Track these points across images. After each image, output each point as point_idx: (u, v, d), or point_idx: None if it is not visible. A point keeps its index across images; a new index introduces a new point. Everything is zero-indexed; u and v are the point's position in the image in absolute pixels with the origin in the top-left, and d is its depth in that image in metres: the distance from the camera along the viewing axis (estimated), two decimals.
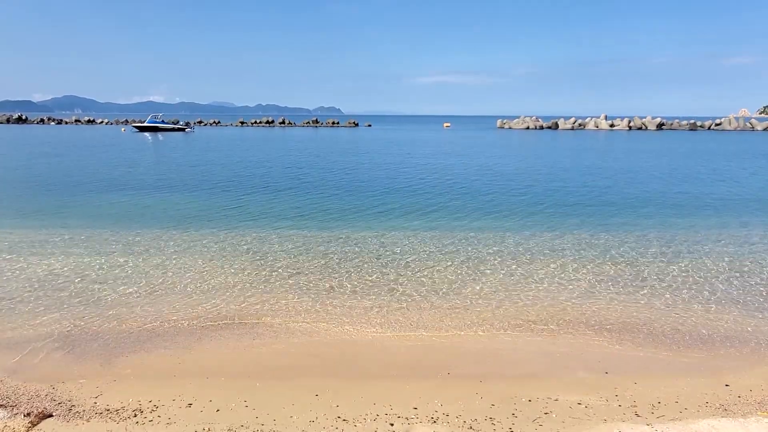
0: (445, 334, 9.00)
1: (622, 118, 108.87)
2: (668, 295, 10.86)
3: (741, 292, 11.09)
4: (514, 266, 12.72)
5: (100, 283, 11.40)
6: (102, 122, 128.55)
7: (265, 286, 11.27)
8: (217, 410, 6.54)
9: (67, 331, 9.02)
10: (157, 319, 9.54)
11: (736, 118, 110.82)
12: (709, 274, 12.19)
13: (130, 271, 12.17)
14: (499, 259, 13.28)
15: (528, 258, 13.43)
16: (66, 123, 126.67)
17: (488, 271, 12.32)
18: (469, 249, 14.26)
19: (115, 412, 6.45)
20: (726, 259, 13.45)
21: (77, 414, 6.41)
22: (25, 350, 8.31)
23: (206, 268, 12.42)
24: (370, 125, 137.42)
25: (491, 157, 45.67)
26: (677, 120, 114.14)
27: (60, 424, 6.17)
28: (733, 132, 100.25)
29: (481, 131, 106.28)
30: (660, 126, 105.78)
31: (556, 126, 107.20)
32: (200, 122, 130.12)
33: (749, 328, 9.30)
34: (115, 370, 7.68)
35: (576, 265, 12.85)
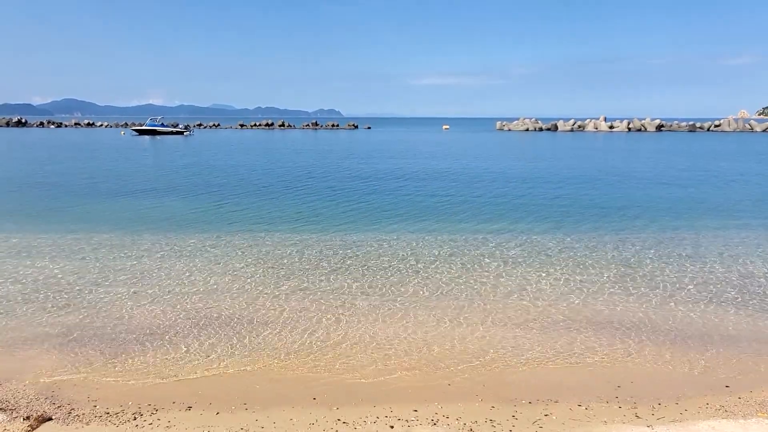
0: (444, 335, 8.99)
1: (621, 120, 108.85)
2: (669, 296, 10.85)
3: (742, 292, 11.08)
4: (514, 267, 12.70)
5: (100, 285, 11.39)
6: (101, 125, 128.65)
7: (265, 288, 11.25)
8: (217, 413, 6.53)
9: (67, 333, 9.01)
10: (157, 321, 9.54)
11: (735, 120, 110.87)
12: (710, 275, 12.18)
13: (130, 274, 12.16)
14: (499, 261, 13.27)
15: (528, 260, 13.42)
16: (66, 126, 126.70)
17: (488, 272, 12.31)
18: (470, 250, 14.25)
19: (114, 416, 6.45)
20: (728, 260, 13.44)
21: (77, 417, 6.41)
22: (25, 353, 8.30)
23: (206, 270, 12.41)
24: (369, 128, 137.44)
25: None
26: (676, 122, 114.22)
27: (59, 428, 6.16)
28: (732, 133, 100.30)
29: (480, 133, 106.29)
30: (659, 128, 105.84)
31: (556, 128, 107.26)
32: (200, 125, 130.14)
33: (750, 329, 9.29)
34: (115, 373, 7.68)
35: (577, 266, 12.84)
